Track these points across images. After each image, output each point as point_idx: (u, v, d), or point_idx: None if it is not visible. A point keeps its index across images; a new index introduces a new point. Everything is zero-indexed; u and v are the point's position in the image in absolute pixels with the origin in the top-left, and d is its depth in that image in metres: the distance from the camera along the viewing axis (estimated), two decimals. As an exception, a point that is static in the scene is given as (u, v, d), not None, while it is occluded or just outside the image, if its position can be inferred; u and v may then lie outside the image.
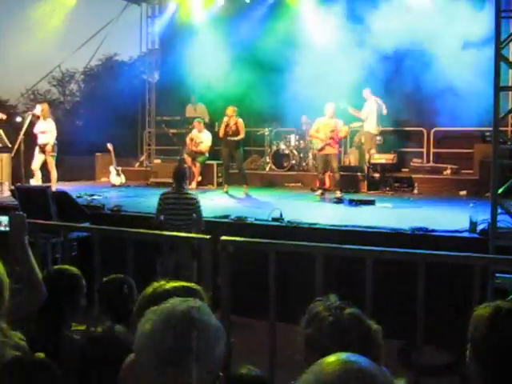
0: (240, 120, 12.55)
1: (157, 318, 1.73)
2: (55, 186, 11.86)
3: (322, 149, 11.78)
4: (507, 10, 6.66)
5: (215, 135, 13.77)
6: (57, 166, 12.41)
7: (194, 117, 15.15)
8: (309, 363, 1.41)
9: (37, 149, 12.13)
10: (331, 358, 1.36)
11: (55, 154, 12.21)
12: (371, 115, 13.52)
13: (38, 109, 12.32)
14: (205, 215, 8.97)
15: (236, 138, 12.50)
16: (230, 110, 12.53)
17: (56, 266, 3.65)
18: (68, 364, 3.13)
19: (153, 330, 1.70)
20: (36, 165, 12.11)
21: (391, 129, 14.52)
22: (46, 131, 12.09)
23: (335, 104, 11.95)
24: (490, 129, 6.89)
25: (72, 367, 3.12)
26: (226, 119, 12.57)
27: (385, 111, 13.63)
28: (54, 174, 12.22)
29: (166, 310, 1.74)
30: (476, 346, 1.82)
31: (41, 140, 12.10)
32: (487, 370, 1.75)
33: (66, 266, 3.70)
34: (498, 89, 6.40)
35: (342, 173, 12.27)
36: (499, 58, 6.38)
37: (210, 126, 14.70)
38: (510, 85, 11.37)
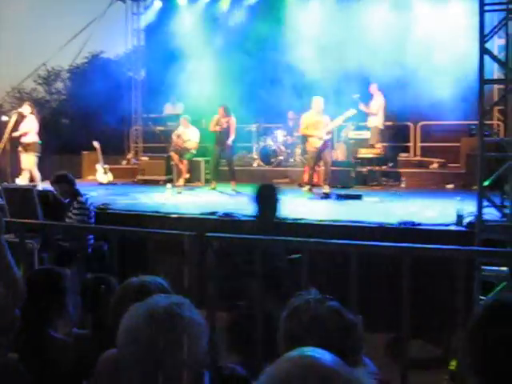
0: (233, 118, 12.50)
1: (140, 313, 1.72)
2: (40, 185, 11.77)
3: (320, 146, 11.65)
4: (491, 4, 6.68)
5: (201, 132, 13.73)
6: (43, 164, 12.33)
7: (172, 114, 15.16)
8: None
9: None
10: (288, 354, 1.36)
11: (38, 153, 12.15)
12: (380, 110, 13.56)
13: (27, 109, 12.24)
14: (192, 212, 8.99)
15: (228, 142, 12.46)
16: (221, 110, 12.49)
17: (40, 266, 3.62)
18: (55, 364, 3.12)
19: (136, 326, 1.69)
20: (24, 165, 12.06)
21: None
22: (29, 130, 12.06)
23: (323, 99, 11.87)
24: (476, 122, 6.92)
25: (59, 367, 3.11)
26: (217, 116, 12.54)
27: None
28: (35, 173, 12.11)
29: (148, 306, 1.74)
30: (469, 338, 1.82)
31: (25, 139, 12.02)
32: (478, 363, 1.75)
33: (50, 266, 3.68)
34: (483, 82, 6.42)
35: (331, 168, 12.27)
36: (483, 51, 6.40)
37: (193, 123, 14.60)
38: (494, 78, 11.38)
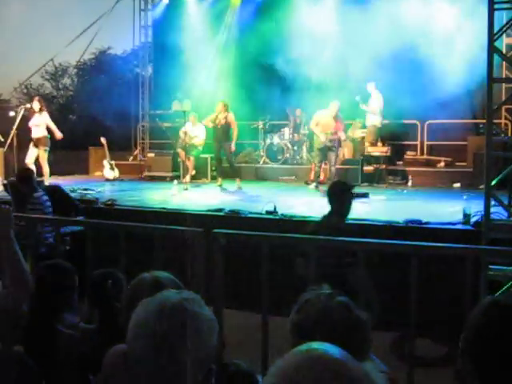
0: (231, 114, 12.47)
1: (149, 308, 1.72)
2: (48, 180, 11.81)
3: (325, 144, 11.76)
4: (500, 2, 6.64)
5: (208, 129, 13.73)
6: (50, 160, 12.35)
7: (179, 111, 15.18)
8: None
9: (31, 143, 12.10)
10: (297, 348, 1.36)
11: (48, 148, 12.17)
12: (377, 109, 13.55)
13: (36, 105, 12.26)
14: (198, 209, 9.00)
15: (231, 142, 12.45)
16: (220, 106, 12.46)
17: (48, 261, 3.63)
18: (62, 358, 3.13)
19: (145, 321, 1.69)
20: (29, 159, 12.05)
21: (385, 122, 14.47)
22: (40, 125, 12.05)
23: (339, 103, 11.94)
24: (483, 121, 6.89)
25: (67, 361, 3.12)
26: (215, 113, 12.52)
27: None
28: (45, 168, 12.15)
29: (158, 301, 1.74)
30: (467, 338, 1.81)
31: (35, 134, 12.04)
32: (478, 363, 1.75)
33: (59, 261, 3.69)
34: (492, 81, 6.39)
35: (336, 166, 12.28)
36: (492, 49, 6.37)
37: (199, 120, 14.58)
38: (503, 76, 11.35)
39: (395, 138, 14.58)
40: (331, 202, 5.51)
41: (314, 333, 1.96)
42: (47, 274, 3.39)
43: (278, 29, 14.93)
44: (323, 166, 12.38)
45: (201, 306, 1.77)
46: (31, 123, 12.10)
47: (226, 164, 12.89)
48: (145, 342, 1.66)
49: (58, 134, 12.16)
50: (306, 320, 2.05)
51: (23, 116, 12.26)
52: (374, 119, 13.65)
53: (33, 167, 12.07)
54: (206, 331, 1.72)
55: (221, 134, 12.44)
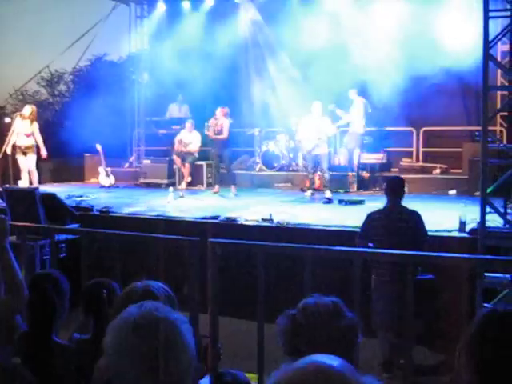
0: (226, 121, 12.53)
1: (122, 325, 1.71)
2: (42, 187, 11.73)
3: (312, 149, 11.77)
4: (495, 10, 6.68)
5: (204, 135, 13.75)
6: (45, 167, 12.31)
7: (178, 117, 15.19)
8: (289, 351, 1.42)
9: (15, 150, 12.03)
10: (297, 362, 1.35)
11: (35, 155, 12.12)
12: (358, 116, 13.51)
13: (27, 110, 12.23)
14: (194, 216, 8.98)
15: (219, 137, 12.50)
16: (218, 112, 12.53)
17: (40, 270, 3.61)
18: (58, 369, 3.11)
19: (121, 338, 1.69)
20: (23, 167, 12.01)
21: (380, 128, 14.49)
22: (31, 134, 12.01)
23: (321, 103, 11.94)
24: (479, 128, 6.90)
25: (62, 373, 3.10)
26: (212, 121, 12.57)
27: (369, 110, 13.66)
28: (34, 175, 12.09)
29: (128, 317, 1.73)
30: (466, 345, 1.81)
31: (25, 142, 11.99)
32: (476, 370, 1.75)
33: (51, 270, 3.67)
34: (487, 88, 6.42)
35: (331, 172, 12.27)
36: (487, 57, 6.39)
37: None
38: (497, 83, 11.39)
39: (391, 144, 14.58)
40: (391, 193, 6.44)
41: (300, 327, 2.08)
42: (42, 283, 3.37)
43: (275, 37, 14.95)
44: (319, 173, 12.37)
45: (166, 310, 1.78)
46: (19, 130, 12.01)
47: (224, 171, 12.93)
48: (125, 358, 1.66)
49: (43, 152, 12.13)
50: (299, 318, 2.13)
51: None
52: (355, 126, 13.57)
53: (26, 176, 12.06)
54: (181, 332, 1.73)
55: (220, 141, 12.50)
